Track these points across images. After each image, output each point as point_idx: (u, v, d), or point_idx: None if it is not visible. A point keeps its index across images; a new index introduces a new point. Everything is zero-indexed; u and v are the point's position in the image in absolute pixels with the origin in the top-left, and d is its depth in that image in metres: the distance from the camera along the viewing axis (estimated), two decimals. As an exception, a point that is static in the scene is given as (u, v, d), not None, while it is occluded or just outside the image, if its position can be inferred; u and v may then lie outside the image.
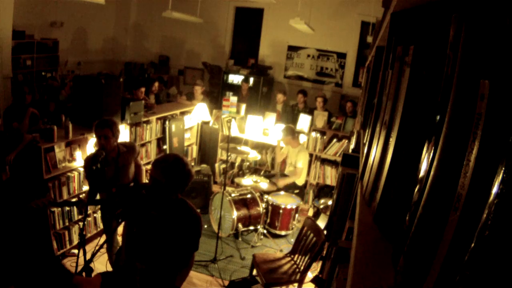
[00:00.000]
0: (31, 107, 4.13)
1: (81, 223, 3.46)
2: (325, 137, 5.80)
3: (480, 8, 0.45)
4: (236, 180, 5.25)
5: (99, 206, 4.29)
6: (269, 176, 5.56)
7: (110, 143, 3.14)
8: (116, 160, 3.24)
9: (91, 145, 4.08)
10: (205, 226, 4.87)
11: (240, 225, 4.54)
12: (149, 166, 4.78)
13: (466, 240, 0.39)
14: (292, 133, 5.25)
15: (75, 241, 3.96)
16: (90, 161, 3.10)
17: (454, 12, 0.54)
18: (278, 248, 4.56)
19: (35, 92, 5.76)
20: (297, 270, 3.43)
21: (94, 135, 4.05)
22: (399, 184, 0.79)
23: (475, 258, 0.37)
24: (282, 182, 5.18)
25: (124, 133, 4.38)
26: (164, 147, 5.52)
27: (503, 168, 0.36)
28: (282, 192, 5.04)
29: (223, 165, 6.20)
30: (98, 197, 3.41)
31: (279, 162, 5.71)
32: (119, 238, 3.53)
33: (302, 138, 5.86)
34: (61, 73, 7.37)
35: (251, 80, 7.82)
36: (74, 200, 3.88)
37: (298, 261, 3.50)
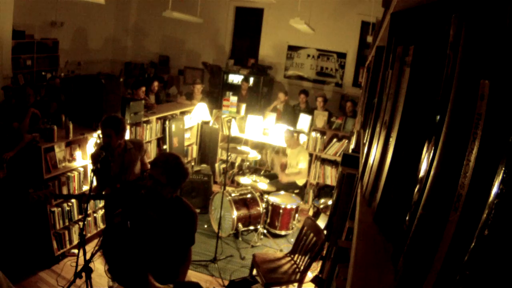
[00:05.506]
0: (32, 107, 4.14)
1: (81, 223, 3.46)
2: (325, 137, 5.80)
3: (480, 8, 0.45)
4: (236, 179, 5.26)
5: (101, 205, 4.30)
6: (269, 176, 5.56)
7: (113, 141, 3.15)
8: (122, 156, 3.24)
9: (91, 145, 4.08)
10: (205, 226, 4.87)
11: (240, 225, 4.54)
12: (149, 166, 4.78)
13: (466, 240, 0.40)
14: (293, 135, 5.31)
15: (75, 241, 3.96)
16: (93, 160, 3.12)
17: (454, 12, 0.54)
18: (278, 248, 4.56)
19: (36, 93, 5.78)
20: (297, 270, 3.43)
21: (93, 135, 4.07)
22: (399, 184, 0.79)
23: (475, 258, 0.37)
24: (286, 178, 5.17)
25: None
26: (164, 147, 5.52)
27: (503, 168, 0.36)
28: (282, 192, 5.04)
29: (223, 165, 6.20)
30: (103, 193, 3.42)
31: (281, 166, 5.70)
32: None
33: (302, 138, 5.86)
34: (61, 73, 7.37)
35: (251, 80, 7.81)
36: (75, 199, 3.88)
37: (298, 261, 3.50)
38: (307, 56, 8.12)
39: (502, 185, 0.35)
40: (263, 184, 5.00)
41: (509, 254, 0.34)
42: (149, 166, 3.59)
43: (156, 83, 6.42)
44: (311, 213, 5.27)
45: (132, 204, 2.39)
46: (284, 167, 5.30)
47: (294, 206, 4.76)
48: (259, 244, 4.62)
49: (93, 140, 4.06)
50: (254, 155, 5.49)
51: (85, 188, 4.02)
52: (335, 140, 5.78)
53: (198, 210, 5.10)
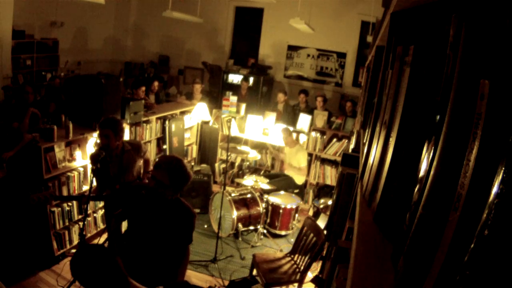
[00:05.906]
0: (32, 106, 4.14)
1: (81, 223, 3.46)
2: (325, 137, 5.80)
3: (480, 8, 0.45)
4: (236, 180, 5.26)
5: (101, 205, 4.30)
6: (270, 175, 5.56)
7: (112, 143, 3.14)
8: (120, 157, 3.25)
9: (91, 145, 4.08)
10: (205, 226, 4.87)
11: (240, 225, 4.54)
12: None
13: (466, 240, 0.39)
14: (290, 133, 5.32)
15: (75, 241, 3.96)
16: (92, 160, 3.12)
17: (454, 12, 0.54)
18: (278, 248, 4.56)
19: (35, 92, 5.78)
20: (297, 270, 3.43)
21: (93, 135, 4.07)
22: (399, 184, 0.79)
23: (475, 258, 0.37)
24: (290, 168, 5.23)
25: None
26: (164, 147, 5.52)
27: (503, 168, 0.36)
28: (282, 192, 5.04)
29: (223, 165, 6.20)
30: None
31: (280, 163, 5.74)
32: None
33: (302, 138, 5.86)
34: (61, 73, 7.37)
35: (251, 79, 7.81)
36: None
37: (298, 261, 3.50)
38: (307, 56, 8.12)
39: (502, 185, 0.35)
40: (264, 184, 5.01)
41: (509, 254, 0.34)
42: (150, 162, 3.61)
43: (156, 83, 6.42)
44: (311, 213, 5.27)
45: (132, 204, 2.39)
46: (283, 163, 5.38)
47: (294, 206, 4.76)
48: (259, 244, 4.62)
49: (93, 140, 4.06)
50: (254, 155, 5.49)
51: (85, 188, 4.02)
52: (335, 140, 5.78)
53: (198, 210, 5.11)
